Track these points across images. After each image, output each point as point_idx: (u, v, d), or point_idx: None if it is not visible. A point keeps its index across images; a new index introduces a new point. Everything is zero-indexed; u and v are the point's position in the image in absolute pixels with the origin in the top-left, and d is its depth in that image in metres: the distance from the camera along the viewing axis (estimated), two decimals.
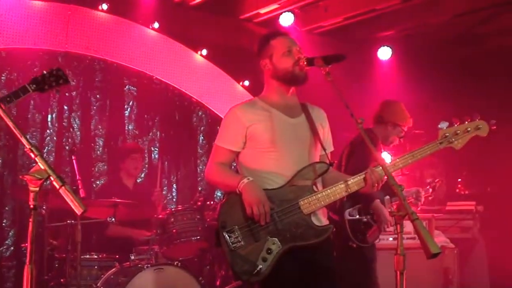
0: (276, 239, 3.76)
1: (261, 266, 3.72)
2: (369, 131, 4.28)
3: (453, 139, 3.91)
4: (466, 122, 3.95)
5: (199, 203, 6.65)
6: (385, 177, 3.66)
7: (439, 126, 3.93)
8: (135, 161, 7.47)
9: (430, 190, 6.68)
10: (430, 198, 6.77)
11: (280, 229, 3.78)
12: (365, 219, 5.68)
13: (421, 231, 3.04)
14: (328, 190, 3.86)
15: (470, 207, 8.18)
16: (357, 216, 5.67)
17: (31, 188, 2.79)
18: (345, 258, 5.48)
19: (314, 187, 3.93)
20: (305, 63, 3.92)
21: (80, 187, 6.22)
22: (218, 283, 8.01)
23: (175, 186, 8.84)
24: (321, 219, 3.97)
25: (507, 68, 8.71)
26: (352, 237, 5.70)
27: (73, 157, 6.58)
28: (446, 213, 8.26)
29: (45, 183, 2.81)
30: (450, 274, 7.12)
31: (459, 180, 9.11)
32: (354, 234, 5.71)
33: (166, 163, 8.77)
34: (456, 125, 3.93)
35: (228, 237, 3.77)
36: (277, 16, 8.96)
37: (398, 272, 3.16)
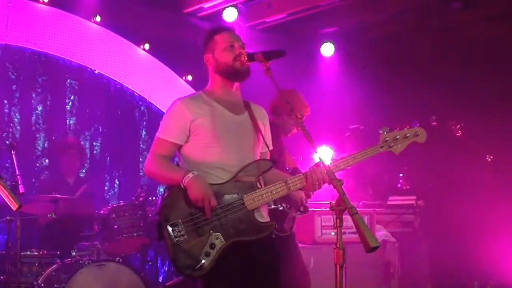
0: (219, 234, 3.74)
1: (204, 261, 3.69)
2: (271, 125, 4.31)
3: (393, 144, 4.00)
4: (406, 129, 4.05)
5: (141, 199, 6.60)
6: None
7: (380, 131, 4.02)
8: (71, 157, 7.38)
9: None
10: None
11: (224, 224, 3.76)
12: (280, 208, 5.63)
13: (360, 225, 3.06)
14: (272, 187, 3.86)
15: (411, 202, 8.30)
16: (273, 206, 5.64)
17: None
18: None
19: (257, 183, 3.93)
20: (246, 58, 3.92)
21: (19, 182, 6.09)
22: (160, 279, 7.99)
23: (117, 182, 8.77)
24: (264, 216, 3.97)
25: (447, 65, 8.84)
26: None
27: (12, 152, 6.46)
28: (387, 207, 8.36)
29: None
30: (391, 268, 7.21)
31: (401, 175, 9.21)
32: None
33: (108, 158, 8.70)
34: (396, 131, 4.03)
35: (171, 231, 3.73)
36: (221, 11, 8.95)
37: (338, 266, 3.18)
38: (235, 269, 3.83)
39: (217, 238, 3.74)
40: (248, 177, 3.89)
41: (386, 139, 3.99)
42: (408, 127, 4.06)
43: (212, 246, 3.72)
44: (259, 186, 3.93)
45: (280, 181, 3.89)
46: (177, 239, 3.72)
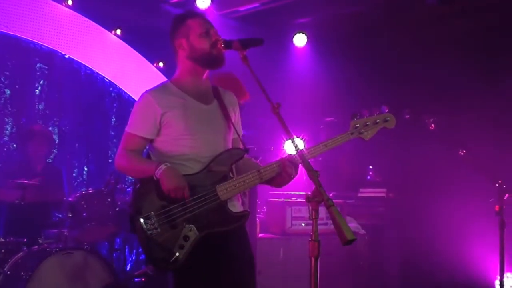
0: (193, 225, 3.70)
1: (178, 254, 3.66)
2: None
3: (363, 130, 3.99)
4: (375, 115, 4.05)
5: (110, 187, 6.53)
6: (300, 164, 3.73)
7: (351, 116, 4.00)
8: (38, 144, 7.24)
9: None
10: None
11: (197, 215, 3.72)
12: None
13: (337, 218, 3.03)
14: (244, 177, 3.82)
15: (381, 194, 8.33)
16: None
17: None
18: None
19: (230, 173, 3.89)
20: (223, 45, 3.87)
21: None
22: (128, 267, 7.94)
23: (85, 168, 8.67)
24: (237, 205, 3.94)
25: (421, 58, 8.86)
26: None
27: None
28: (357, 199, 8.39)
29: None
30: (361, 260, 7.24)
31: (371, 167, 9.24)
32: None
33: (77, 144, 8.59)
34: (366, 117, 4.03)
35: (144, 224, 3.68)
36: None
37: (313, 258, 3.15)
38: (209, 261, 3.79)
39: (190, 230, 3.70)
40: (221, 167, 3.85)
41: (356, 125, 3.99)
42: (378, 112, 4.06)
43: (186, 238, 3.69)
44: (231, 175, 3.89)
45: (253, 170, 3.86)
46: (150, 232, 3.68)
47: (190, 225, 3.70)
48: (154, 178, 3.71)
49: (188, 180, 3.73)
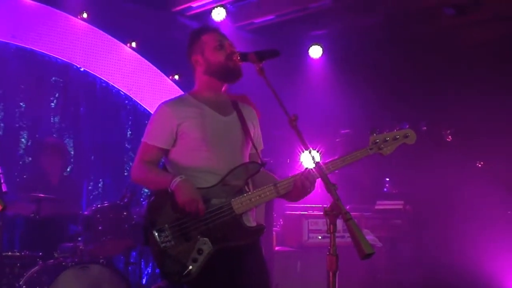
0: (207, 239, 3.67)
1: (191, 267, 3.62)
2: None
3: (382, 146, 3.95)
4: (395, 130, 4.01)
5: (126, 200, 6.50)
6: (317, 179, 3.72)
7: (370, 132, 3.98)
8: (52, 158, 7.24)
9: None
10: None
11: (212, 229, 3.69)
12: None
13: (355, 231, 2.99)
14: (260, 191, 3.79)
15: (399, 206, 8.28)
16: None
17: None
18: None
19: (246, 187, 3.86)
20: (239, 57, 3.84)
21: (2, 181, 5.98)
22: (144, 281, 7.92)
23: (101, 182, 8.65)
24: (252, 220, 3.90)
25: (438, 70, 8.82)
26: None
27: None
28: (375, 212, 8.33)
29: None
30: (378, 273, 7.18)
31: (387, 179, 9.20)
32: None
33: (92, 157, 8.58)
34: (385, 133, 3.99)
35: (158, 236, 3.65)
36: (210, 10, 8.90)
37: (331, 273, 3.11)
38: (223, 275, 3.75)
39: (204, 243, 3.67)
40: (236, 181, 3.81)
41: (376, 141, 3.95)
42: (397, 128, 4.02)
43: (200, 251, 3.66)
44: (247, 189, 3.85)
45: (269, 184, 3.82)
46: (163, 244, 3.65)
47: (205, 238, 3.67)
48: (169, 190, 3.69)
49: (203, 193, 3.71)
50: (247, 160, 4.00)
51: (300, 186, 3.77)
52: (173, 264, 3.64)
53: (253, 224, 3.90)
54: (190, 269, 3.62)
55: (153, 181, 3.88)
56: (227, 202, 3.74)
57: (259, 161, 3.99)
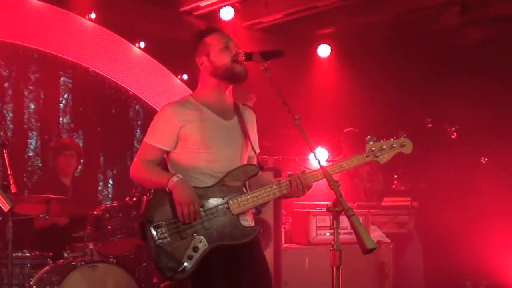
0: (203, 237, 3.73)
1: (186, 264, 3.69)
2: None
3: (379, 154, 4.00)
4: (392, 139, 4.05)
5: (135, 199, 6.53)
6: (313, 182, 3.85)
7: (367, 139, 4.00)
8: (68, 158, 7.28)
9: None
10: None
11: (208, 228, 3.75)
12: None
13: (357, 227, 3.05)
14: (257, 192, 3.85)
15: (406, 203, 8.28)
16: None
17: None
18: None
19: (243, 188, 3.91)
20: (244, 57, 3.87)
21: (11, 182, 6.01)
22: (154, 280, 7.93)
23: (111, 182, 8.70)
24: (249, 220, 3.95)
25: (444, 68, 8.82)
26: None
27: (4, 151, 6.37)
28: (382, 208, 8.34)
29: None
30: (386, 269, 7.19)
31: (395, 176, 9.20)
32: None
33: (101, 157, 8.63)
34: (382, 141, 4.03)
35: (154, 232, 3.73)
36: (217, 10, 8.92)
37: (334, 268, 3.16)
38: (219, 271, 3.80)
39: (200, 242, 3.74)
40: (234, 182, 3.88)
41: (372, 148, 4.00)
42: (394, 137, 4.06)
43: (195, 249, 3.73)
44: (244, 190, 3.91)
45: (266, 186, 3.88)
46: (160, 241, 3.73)
47: (200, 237, 3.74)
48: (167, 189, 3.75)
49: (201, 193, 3.78)
50: (245, 163, 4.05)
51: (295, 187, 3.83)
52: (168, 260, 3.70)
53: (250, 224, 3.95)
54: (185, 266, 3.69)
55: (151, 180, 3.94)
56: (224, 202, 3.81)
57: (257, 164, 4.06)
